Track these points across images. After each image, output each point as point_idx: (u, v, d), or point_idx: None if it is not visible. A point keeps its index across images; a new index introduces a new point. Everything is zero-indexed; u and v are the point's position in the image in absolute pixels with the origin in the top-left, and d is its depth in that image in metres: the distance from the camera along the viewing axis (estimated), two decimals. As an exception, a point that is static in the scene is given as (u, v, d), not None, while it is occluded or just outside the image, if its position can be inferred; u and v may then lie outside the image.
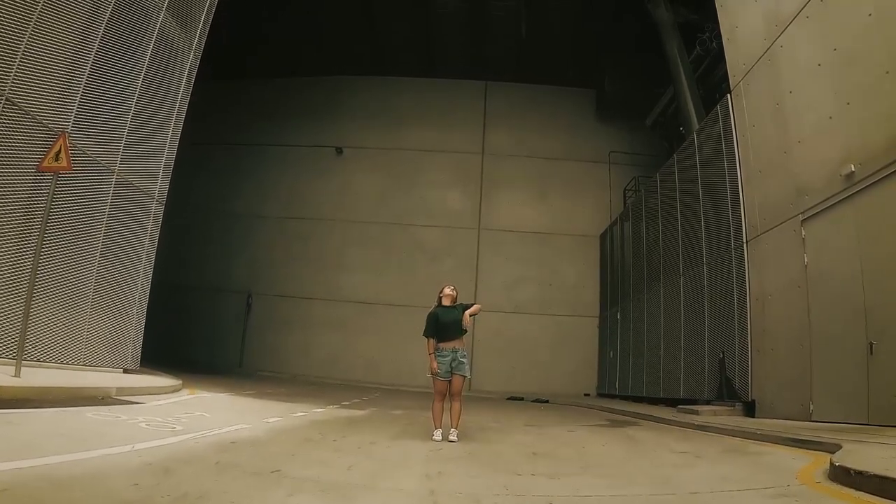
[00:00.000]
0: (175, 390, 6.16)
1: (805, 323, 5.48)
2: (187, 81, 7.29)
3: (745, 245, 6.75)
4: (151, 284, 7.23)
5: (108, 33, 5.82)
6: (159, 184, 7.03)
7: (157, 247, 6.97)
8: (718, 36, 9.15)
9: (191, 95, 7.38)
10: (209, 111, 13.87)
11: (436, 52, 13.92)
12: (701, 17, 9.79)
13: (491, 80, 14.21)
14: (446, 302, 5.11)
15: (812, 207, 5.45)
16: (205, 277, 13.65)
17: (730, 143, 7.17)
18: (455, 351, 4.79)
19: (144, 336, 7.08)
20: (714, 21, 9.48)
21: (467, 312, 4.89)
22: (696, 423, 5.55)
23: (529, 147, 13.91)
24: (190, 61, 7.32)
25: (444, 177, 14.06)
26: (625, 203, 12.43)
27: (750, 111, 6.82)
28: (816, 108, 5.51)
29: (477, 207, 13.82)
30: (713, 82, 9.52)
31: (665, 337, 8.95)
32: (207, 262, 13.73)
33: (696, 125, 8.74)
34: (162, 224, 6.90)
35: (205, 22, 7.51)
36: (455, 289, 5.28)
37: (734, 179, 7.03)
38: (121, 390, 4.93)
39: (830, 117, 5.22)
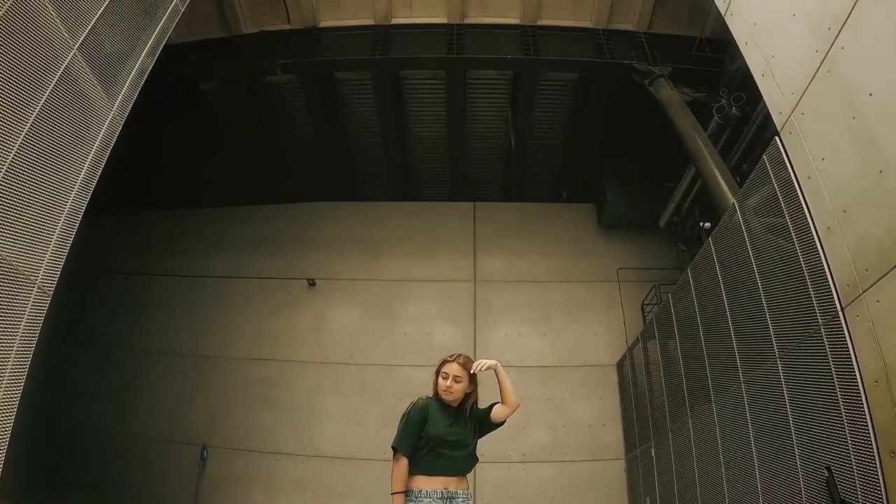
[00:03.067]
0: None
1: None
2: (100, 148, 5.80)
3: (841, 313, 4.90)
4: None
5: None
6: (44, 269, 5.27)
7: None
8: (738, 99, 8.19)
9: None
10: (162, 241, 12.59)
11: (416, 175, 12.96)
12: (708, 94, 8.91)
13: (479, 200, 13.08)
14: (449, 395, 3.25)
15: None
16: (153, 426, 11.38)
17: (790, 194, 5.62)
18: (451, 497, 2.98)
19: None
20: (727, 88, 8.61)
21: (501, 380, 3.28)
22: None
23: (527, 271, 12.40)
24: (107, 125, 5.90)
25: (431, 309, 12.35)
26: (644, 320, 10.66)
27: (813, 143, 5.36)
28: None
29: (471, 342, 11.91)
30: (738, 156, 8.33)
31: (727, 463, 6.76)
32: (157, 408, 11.53)
33: (730, 200, 7.29)
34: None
35: (133, 83, 6.24)
36: (466, 365, 3.29)
37: (806, 236, 5.37)
38: None
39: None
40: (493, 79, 10.91)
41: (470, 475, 3.24)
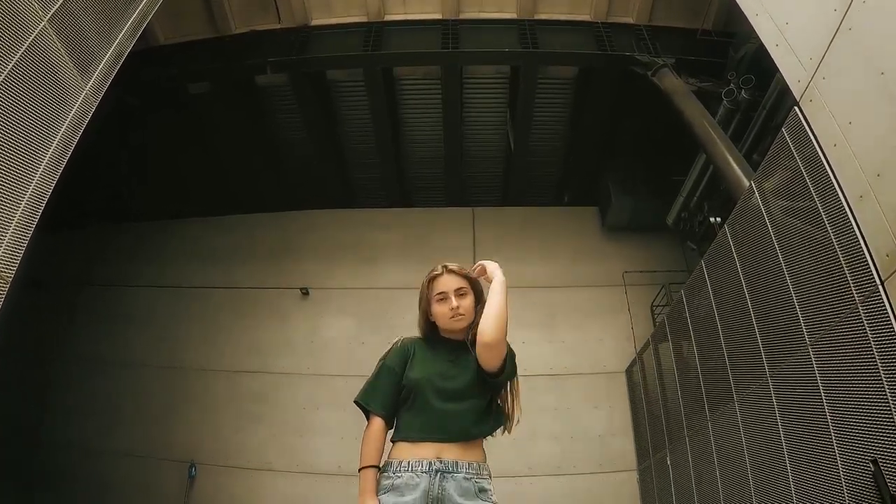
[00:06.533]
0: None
1: None
2: (71, 129, 5.36)
3: (881, 286, 4.45)
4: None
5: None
6: (2, 251, 4.80)
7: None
8: (748, 82, 7.86)
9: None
10: (148, 252, 12.24)
11: (412, 180, 12.60)
12: (714, 84, 8.60)
13: (478, 204, 12.68)
14: (460, 321, 2.29)
15: None
16: (137, 443, 10.77)
17: (815, 166, 5.21)
18: (447, 472, 2.02)
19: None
20: (732, 73, 8.30)
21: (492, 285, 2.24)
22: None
23: (529, 277, 11.91)
24: (79, 104, 5.49)
25: (430, 318, 11.83)
26: (654, 322, 10.19)
27: (838, 107, 4.97)
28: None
29: (472, 352, 11.40)
30: (748, 145, 7.96)
31: (754, 466, 6.25)
32: (142, 424, 10.94)
33: (745, 183, 6.90)
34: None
35: (110, 63, 5.86)
36: (462, 270, 2.35)
37: (835, 208, 4.95)
38: None
39: None
40: (491, 77, 10.62)
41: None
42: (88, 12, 5.66)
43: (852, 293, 4.72)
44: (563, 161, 11.94)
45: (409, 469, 2.04)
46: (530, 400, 9.75)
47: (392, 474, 2.06)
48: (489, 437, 2.31)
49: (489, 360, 2.18)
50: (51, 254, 11.85)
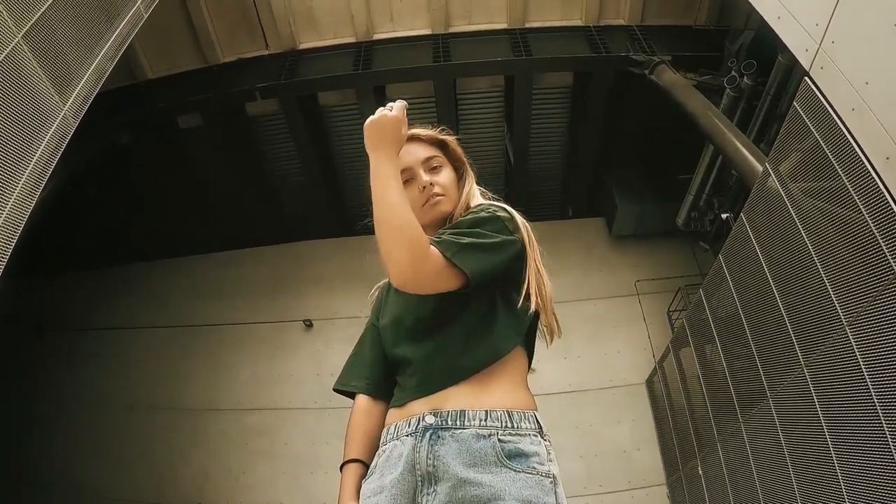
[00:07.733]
0: None
1: None
2: (49, 150, 5.11)
3: (923, 253, 4.12)
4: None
5: None
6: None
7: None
8: (749, 67, 7.64)
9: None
10: (145, 293, 12.00)
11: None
12: (712, 76, 8.41)
13: (481, 223, 12.40)
14: (430, 211, 1.56)
15: None
16: (141, 487, 10.37)
17: (833, 135, 4.94)
18: (435, 429, 1.33)
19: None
20: (733, 59, 8.10)
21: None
22: None
23: (538, 294, 11.55)
24: (57, 125, 5.26)
25: (438, 342, 11.44)
26: (672, 328, 9.80)
27: (852, 69, 4.71)
28: None
29: (484, 375, 10.98)
30: (752, 136, 7.71)
31: (797, 466, 5.82)
32: (148, 467, 10.55)
33: (758, 169, 6.62)
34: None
35: (90, 84, 5.66)
36: (440, 145, 1.61)
37: (861, 176, 4.65)
38: None
39: None
40: (485, 92, 10.46)
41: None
42: (66, 30, 5.50)
43: (889, 262, 4.38)
44: (565, 172, 11.73)
45: (395, 436, 1.41)
46: (551, 419, 9.35)
47: (380, 452, 1.45)
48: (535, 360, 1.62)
49: (425, 290, 1.35)
50: (50, 299, 11.69)
